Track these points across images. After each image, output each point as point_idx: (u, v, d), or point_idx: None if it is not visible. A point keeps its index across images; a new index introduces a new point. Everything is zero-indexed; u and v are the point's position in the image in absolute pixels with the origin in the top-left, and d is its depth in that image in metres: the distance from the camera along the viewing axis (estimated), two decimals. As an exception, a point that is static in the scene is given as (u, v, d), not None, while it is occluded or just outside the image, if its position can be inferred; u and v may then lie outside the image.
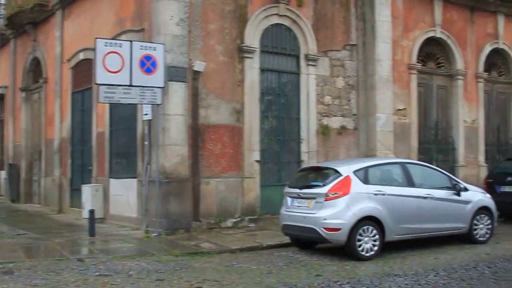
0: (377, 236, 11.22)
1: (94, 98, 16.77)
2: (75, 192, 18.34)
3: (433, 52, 19.71)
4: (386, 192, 11.53)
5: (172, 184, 13.90)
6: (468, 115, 20.27)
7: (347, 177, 11.38)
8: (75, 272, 9.75)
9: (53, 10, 20.04)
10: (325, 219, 11.05)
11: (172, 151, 13.98)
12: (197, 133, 14.55)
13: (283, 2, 15.99)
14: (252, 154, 15.37)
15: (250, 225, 15.06)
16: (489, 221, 13.07)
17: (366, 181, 11.52)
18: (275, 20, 16.05)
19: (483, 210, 13.05)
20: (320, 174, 12.25)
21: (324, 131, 16.80)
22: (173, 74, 13.99)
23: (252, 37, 15.50)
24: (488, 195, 13.60)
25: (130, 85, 13.13)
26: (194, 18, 14.60)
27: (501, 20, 21.29)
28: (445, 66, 19.96)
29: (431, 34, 19.25)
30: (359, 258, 10.94)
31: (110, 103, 15.20)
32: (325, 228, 11.05)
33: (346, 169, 11.57)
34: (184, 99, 14.20)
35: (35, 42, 21.87)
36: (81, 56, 18.19)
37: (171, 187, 13.89)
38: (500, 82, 21.84)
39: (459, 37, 19.97)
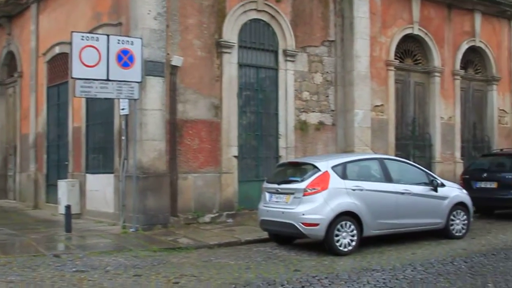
0: (355, 231, 11.24)
1: (70, 93, 16.61)
2: (51, 188, 18.17)
3: (411, 49, 19.79)
4: (364, 188, 11.56)
5: (149, 179, 13.81)
6: (445, 112, 20.40)
7: (326, 173, 11.39)
8: (51, 268, 9.65)
9: (28, 4, 19.76)
10: (303, 214, 11.05)
11: (150, 146, 13.89)
12: (175, 128, 14.46)
13: (262, -3, 15.99)
14: (230, 149, 15.32)
15: (228, 221, 15.03)
16: (465, 217, 13.17)
17: (344, 176, 11.53)
18: (254, 15, 16.00)
19: (460, 205, 13.14)
20: (299, 169, 12.25)
21: (302, 127, 16.81)
22: (151, 68, 13.89)
23: (230, 32, 15.44)
24: (465, 191, 13.70)
25: (107, 80, 12.98)
26: (172, 12, 14.50)
27: (478, 18, 21.43)
28: (423, 63, 20.06)
29: (408, 31, 19.32)
30: (337, 253, 10.95)
31: (86, 98, 15.03)
32: (303, 223, 11.05)
33: (325, 165, 11.56)
34: (162, 94, 14.11)
35: (10, 36, 21.58)
36: (57, 50, 17.98)
37: (149, 183, 13.80)
38: (476, 79, 22.00)
39: (436, 35, 20.08)
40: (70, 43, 12.87)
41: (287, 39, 16.51)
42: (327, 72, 17.55)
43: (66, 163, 17.41)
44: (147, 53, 13.79)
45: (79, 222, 15.00)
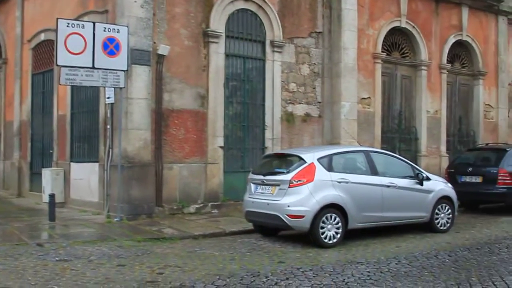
0: (340, 224, 11.23)
1: (55, 80, 16.48)
2: (35, 176, 18.06)
3: (398, 42, 19.78)
4: (349, 180, 11.54)
5: (134, 168, 13.74)
6: (431, 105, 20.43)
7: (311, 164, 11.35)
8: (34, 257, 9.58)
9: (13, -11, 19.59)
10: (288, 206, 11.01)
11: (135, 135, 13.80)
12: (160, 118, 14.38)
13: (250, -13, 15.91)
14: (216, 139, 15.26)
15: (213, 211, 14.99)
16: (450, 211, 13.20)
17: (330, 168, 11.50)
18: (241, 5, 15.91)
19: (445, 199, 13.17)
20: (284, 161, 12.20)
21: (288, 118, 16.77)
22: (137, 57, 13.79)
23: (218, 22, 15.35)
24: (450, 185, 13.74)
25: (93, 68, 12.88)
26: (159, 0, 14.38)
27: (465, 12, 21.45)
28: (410, 57, 20.07)
29: (396, 24, 19.30)
30: (322, 245, 10.94)
31: (71, 86, 14.94)
32: (288, 215, 11.01)
33: (311, 156, 11.52)
34: (148, 83, 14.01)
35: (-5, 22, 21.40)
36: (42, 37, 17.81)
37: (134, 172, 13.72)
38: (463, 73, 22.05)
39: (424, 28, 20.09)
40: (55, 30, 12.74)
41: (274, 30, 16.44)
42: (314, 64, 17.51)
43: (51, 151, 17.30)
44: (133, 41, 13.68)
45: (63, 211, 14.93)
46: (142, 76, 13.90)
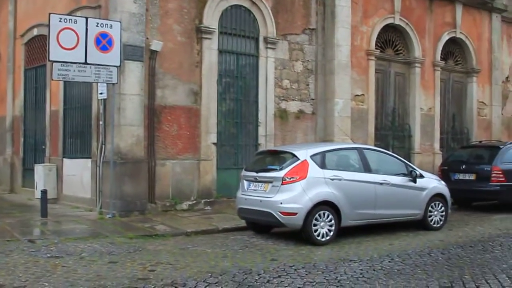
0: (333, 221, 11.20)
1: (48, 76, 16.39)
2: (28, 172, 18.00)
3: (392, 39, 19.77)
4: (342, 177, 11.51)
5: (127, 165, 13.68)
6: (425, 102, 20.45)
7: (304, 161, 11.31)
8: (25, 253, 9.53)
9: (6, -16, 19.49)
10: (281, 203, 10.97)
11: (128, 131, 13.75)
12: (153, 114, 14.32)
13: (244, -17, 15.85)
14: (209, 136, 15.21)
15: (206, 208, 14.95)
16: (443, 208, 13.19)
17: (323, 165, 11.46)
18: (235, 1, 15.85)
19: (438, 197, 13.16)
20: (277, 158, 12.17)
21: (282, 115, 16.74)
22: (130, 53, 13.74)
23: (211, 18, 15.29)
24: (443, 182, 13.73)
25: (85, 63, 12.82)
26: (152, -4, 14.34)
27: (459, 9, 21.47)
28: (403, 54, 20.06)
29: (390, 21, 19.29)
30: (314, 243, 10.91)
31: (64, 81, 14.88)
32: (281, 212, 10.97)
33: (304, 153, 11.49)
34: (141, 79, 13.95)
35: (-13, 16, 21.27)
36: (35, 32, 17.73)
37: (126, 168, 13.67)
38: (456, 71, 22.07)
39: (417, 25, 20.08)
40: (48, 25, 12.66)
41: (268, 26, 16.39)
42: (308, 61, 17.47)
43: (43, 147, 17.23)
44: (126, 37, 13.62)
45: (55, 207, 14.85)
46: (135, 72, 13.84)
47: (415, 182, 12.64)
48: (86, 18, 13.03)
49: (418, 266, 9.15)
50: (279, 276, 8.31)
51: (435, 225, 13.00)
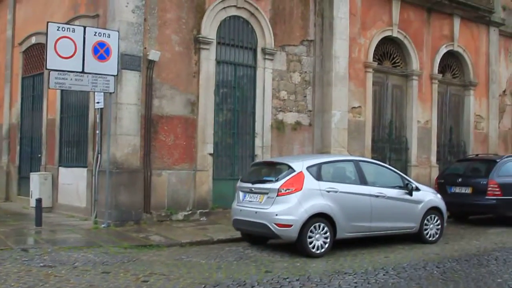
0: (328, 234, 11.17)
1: (45, 84, 16.40)
2: (23, 180, 17.95)
3: (390, 51, 19.80)
4: (338, 190, 11.48)
5: (123, 174, 13.65)
6: (422, 115, 20.46)
7: (300, 173, 11.28)
8: (18, 262, 9.49)
9: (5, -8, 19.52)
10: (276, 214, 10.94)
11: (124, 141, 13.72)
12: (150, 124, 14.31)
13: (242, -6, 15.88)
14: (206, 146, 15.19)
15: (202, 219, 14.91)
16: (439, 221, 13.16)
17: (319, 177, 11.43)
18: (233, 12, 15.88)
19: (434, 210, 13.12)
20: (273, 169, 12.14)
21: (279, 126, 16.73)
22: (127, 62, 13.73)
23: (209, 28, 15.30)
24: (439, 196, 13.69)
25: (82, 72, 12.82)
26: (150, 6, 14.33)
27: (457, 22, 21.52)
28: (401, 66, 20.09)
29: (388, 33, 19.32)
30: (309, 255, 10.87)
31: (61, 90, 14.89)
32: (276, 224, 10.94)
33: (300, 165, 11.46)
34: (138, 89, 13.94)
35: (-14, 24, 21.28)
36: (33, 40, 17.75)
37: (122, 178, 13.63)
38: (453, 84, 22.10)
39: (415, 38, 20.12)
40: (46, 34, 12.66)
41: (266, 37, 16.41)
42: (306, 72, 17.48)
43: (39, 155, 17.21)
44: (123, 46, 13.63)
45: (50, 216, 14.82)
46: (132, 81, 13.84)
47: (411, 195, 12.60)
48: (84, 27, 13.03)
49: (413, 279, 9.11)
50: (273, 289, 8.29)
51: (430, 239, 12.96)
